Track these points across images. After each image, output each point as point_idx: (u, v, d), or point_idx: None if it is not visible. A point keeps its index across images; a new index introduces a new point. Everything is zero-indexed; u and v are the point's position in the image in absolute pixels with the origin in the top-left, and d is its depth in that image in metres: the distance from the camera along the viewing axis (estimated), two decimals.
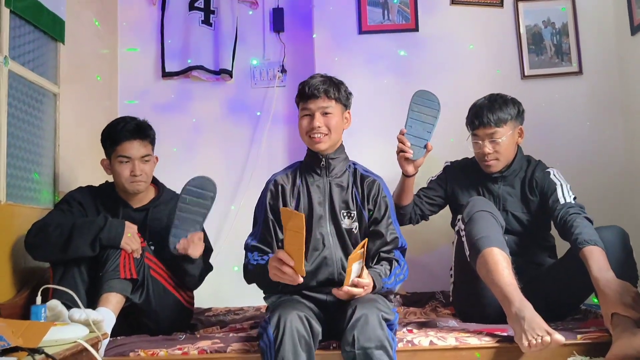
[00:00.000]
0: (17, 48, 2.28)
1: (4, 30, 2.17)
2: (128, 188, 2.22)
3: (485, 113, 2.23)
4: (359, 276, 1.75)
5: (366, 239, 1.81)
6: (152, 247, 2.21)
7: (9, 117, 2.19)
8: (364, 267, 1.77)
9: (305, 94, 1.96)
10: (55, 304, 1.73)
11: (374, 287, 1.81)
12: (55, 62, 2.59)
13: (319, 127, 1.93)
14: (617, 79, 3.01)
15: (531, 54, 3.08)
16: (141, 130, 2.23)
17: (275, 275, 1.74)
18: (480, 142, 2.26)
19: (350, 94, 2.04)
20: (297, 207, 1.97)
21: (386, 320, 1.70)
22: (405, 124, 2.24)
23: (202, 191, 2.17)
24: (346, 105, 2.02)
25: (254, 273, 1.91)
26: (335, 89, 1.96)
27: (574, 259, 1.98)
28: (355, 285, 1.73)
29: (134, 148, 2.20)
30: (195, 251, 2.12)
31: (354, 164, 2.08)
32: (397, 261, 1.94)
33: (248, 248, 1.99)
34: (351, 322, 1.66)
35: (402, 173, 2.28)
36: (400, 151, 2.24)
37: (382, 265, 1.91)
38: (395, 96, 3.04)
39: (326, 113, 1.95)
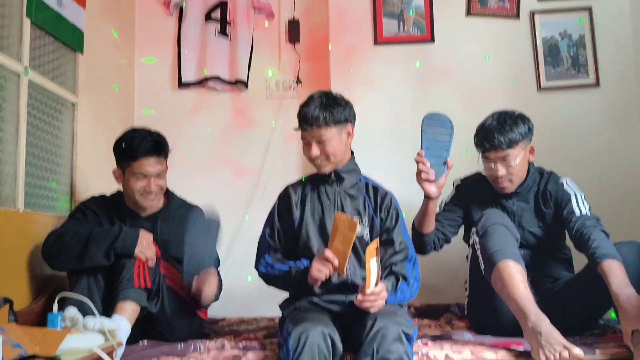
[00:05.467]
0: (37, 58, 2.32)
1: (25, 41, 2.21)
2: (140, 202, 2.22)
3: (496, 135, 2.15)
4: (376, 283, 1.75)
5: (378, 238, 1.85)
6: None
7: (28, 127, 2.23)
8: (380, 279, 1.78)
9: (300, 123, 1.97)
10: (73, 312, 1.74)
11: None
12: (74, 72, 2.62)
13: (317, 155, 1.96)
14: (636, 91, 2.98)
15: (547, 66, 3.06)
16: (158, 148, 2.22)
17: (319, 272, 1.81)
18: (492, 165, 2.21)
19: (346, 106, 2.00)
20: (302, 216, 2.02)
21: (406, 334, 1.69)
22: (421, 147, 2.13)
23: (208, 225, 2.18)
24: (345, 121, 1.99)
25: (282, 280, 1.97)
26: (328, 113, 1.93)
27: (592, 273, 1.95)
28: (377, 295, 1.73)
29: (151, 165, 2.19)
30: (209, 290, 2.12)
31: (366, 178, 2.11)
32: (406, 279, 1.94)
33: (264, 273, 2.03)
34: (370, 334, 1.66)
35: (425, 196, 2.17)
36: (420, 172, 2.11)
37: (388, 281, 1.91)
38: (410, 107, 3.04)
39: (321, 141, 1.95)
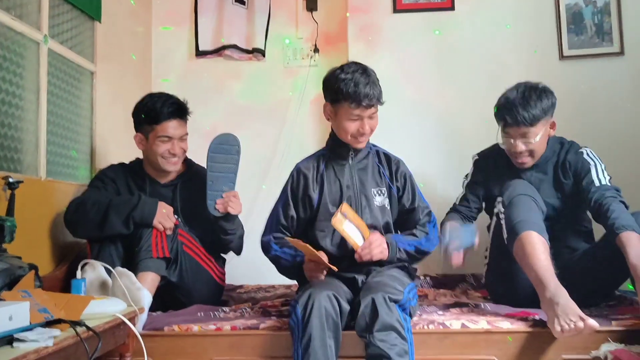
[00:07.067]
0: (55, 27, 2.32)
1: (44, 9, 2.21)
2: (163, 165, 2.24)
3: (520, 111, 2.09)
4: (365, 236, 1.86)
5: (344, 202, 1.91)
6: (182, 224, 2.24)
7: (49, 95, 2.24)
8: (366, 228, 1.89)
9: (359, 102, 1.91)
10: (95, 263, 1.79)
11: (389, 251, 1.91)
12: (92, 40, 2.62)
13: (366, 132, 1.97)
14: None
15: (570, 34, 2.99)
16: (181, 110, 2.25)
17: (313, 274, 1.89)
18: (511, 140, 2.17)
19: (378, 79, 2.00)
20: (321, 193, 2.03)
21: (395, 301, 1.70)
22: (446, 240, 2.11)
23: (227, 146, 2.19)
24: None
25: (287, 269, 2.04)
26: (380, 92, 1.95)
27: (609, 244, 1.94)
28: (368, 246, 1.84)
29: (174, 127, 2.22)
30: (235, 208, 2.16)
31: (374, 145, 2.12)
32: (427, 234, 2.03)
33: (267, 246, 2.07)
34: (361, 308, 1.69)
35: None
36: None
37: (404, 234, 2.03)
38: (430, 76, 3.00)
39: (372, 117, 1.97)
